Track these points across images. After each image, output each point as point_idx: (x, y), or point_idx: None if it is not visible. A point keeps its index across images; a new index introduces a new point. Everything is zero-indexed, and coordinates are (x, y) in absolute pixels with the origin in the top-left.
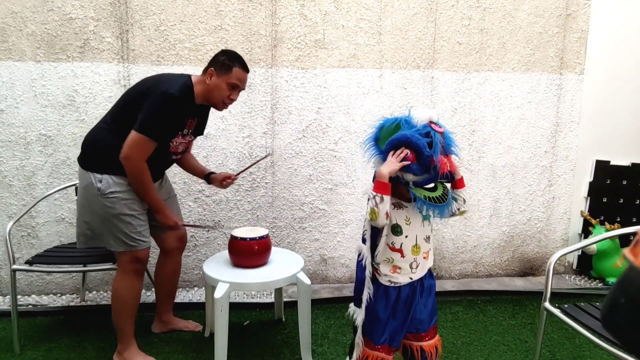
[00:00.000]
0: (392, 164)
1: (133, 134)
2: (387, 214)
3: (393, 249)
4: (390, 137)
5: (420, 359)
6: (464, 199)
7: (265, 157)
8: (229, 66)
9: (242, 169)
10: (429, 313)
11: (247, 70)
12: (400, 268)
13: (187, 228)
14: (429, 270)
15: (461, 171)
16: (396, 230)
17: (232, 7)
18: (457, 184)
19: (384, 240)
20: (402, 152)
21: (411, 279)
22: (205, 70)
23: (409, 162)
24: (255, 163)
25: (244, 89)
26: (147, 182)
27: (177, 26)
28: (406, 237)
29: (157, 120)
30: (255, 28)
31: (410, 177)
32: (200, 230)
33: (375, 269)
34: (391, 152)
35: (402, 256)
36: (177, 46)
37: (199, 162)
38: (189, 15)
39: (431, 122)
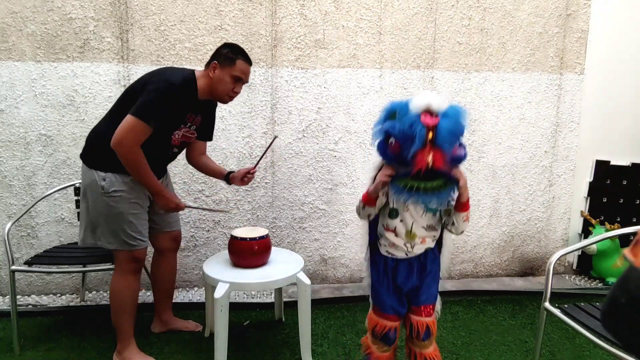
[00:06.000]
0: (377, 182)
1: (127, 118)
2: (369, 215)
3: (387, 229)
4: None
5: (414, 332)
6: (453, 221)
7: (274, 140)
8: (232, 59)
9: (258, 159)
10: (425, 294)
11: (250, 63)
12: (395, 246)
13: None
14: (433, 253)
15: (468, 189)
16: (392, 214)
17: (232, 7)
18: (459, 206)
19: (380, 220)
20: (389, 171)
21: (407, 255)
22: (208, 64)
23: (391, 175)
24: (267, 149)
25: (247, 81)
26: (143, 166)
27: (177, 26)
28: (401, 221)
29: (152, 105)
30: (255, 28)
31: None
32: (207, 211)
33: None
34: (382, 169)
35: (396, 235)
36: (177, 46)
37: (216, 163)
38: (189, 15)
39: (428, 111)
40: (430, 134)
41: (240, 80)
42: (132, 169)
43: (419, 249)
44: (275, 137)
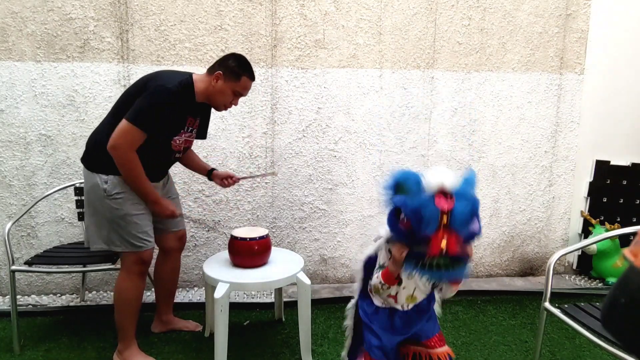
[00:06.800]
0: (396, 261)
1: (121, 123)
2: (389, 295)
3: (388, 295)
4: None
5: None
6: (442, 288)
7: (272, 174)
8: (238, 74)
9: (248, 176)
10: (427, 327)
11: (254, 79)
12: (391, 305)
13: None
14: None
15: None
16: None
17: (232, 7)
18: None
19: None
20: (403, 249)
21: (402, 309)
22: (211, 70)
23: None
24: (260, 176)
25: (246, 95)
26: (138, 172)
27: (177, 26)
28: (403, 288)
29: (147, 111)
30: (255, 28)
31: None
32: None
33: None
34: (396, 248)
35: (395, 302)
36: (177, 46)
37: (200, 159)
38: (189, 15)
39: (442, 192)
40: (445, 218)
41: (241, 95)
42: (126, 174)
43: (413, 304)
44: (275, 173)
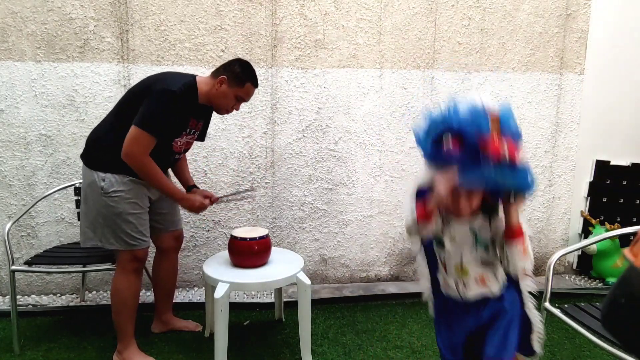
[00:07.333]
0: (445, 188)
1: (132, 130)
2: (422, 239)
3: (440, 262)
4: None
5: None
6: (507, 258)
7: (250, 190)
8: (242, 80)
9: (227, 194)
10: (491, 346)
11: (257, 86)
12: (448, 284)
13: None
14: (497, 304)
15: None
16: (439, 242)
17: (232, 7)
18: (507, 231)
19: (435, 249)
20: (451, 174)
21: (461, 298)
22: (216, 74)
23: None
24: (239, 193)
25: (248, 101)
26: (157, 174)
27: (177, 26)
28: (448, 253)
29: (156, 116)
30: (255, 28)
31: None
32: (235, 199)
33: None
34: (443, 176)
35: (446, 271)
36: (177, 46)
37: (188, 171)
38: (189, 15)
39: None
40: (496, 124)
41: (243, 100)
42: (146, 178)
43: (474, 292)
44: (253, 189)
